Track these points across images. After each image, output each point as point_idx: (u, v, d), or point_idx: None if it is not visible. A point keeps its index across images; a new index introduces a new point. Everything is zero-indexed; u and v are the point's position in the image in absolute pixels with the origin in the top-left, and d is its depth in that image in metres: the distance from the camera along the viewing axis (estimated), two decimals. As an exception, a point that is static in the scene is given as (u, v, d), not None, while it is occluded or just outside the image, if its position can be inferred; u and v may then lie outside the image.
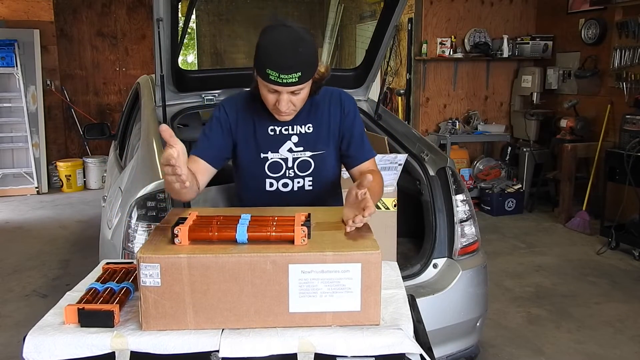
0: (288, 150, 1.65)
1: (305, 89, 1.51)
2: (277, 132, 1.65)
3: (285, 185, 1.66)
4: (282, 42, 1.42)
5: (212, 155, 1.62)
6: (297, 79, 1.43)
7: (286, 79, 1.42)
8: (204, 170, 1.60)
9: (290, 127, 1.65)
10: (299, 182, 1.67)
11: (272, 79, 1.43)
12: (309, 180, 1.67)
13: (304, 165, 1.66)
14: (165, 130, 1.19)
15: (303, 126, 1.65)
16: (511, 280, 3.81)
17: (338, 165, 1.74)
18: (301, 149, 1.65)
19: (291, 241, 1.12)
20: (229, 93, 2.45)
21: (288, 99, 1.49)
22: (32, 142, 6.33)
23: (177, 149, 1.18)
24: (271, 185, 1.66)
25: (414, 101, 6.01)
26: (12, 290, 3.66)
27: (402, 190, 2.50)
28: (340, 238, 1.18)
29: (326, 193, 1.72)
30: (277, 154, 1.64)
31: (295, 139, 1.65)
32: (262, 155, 1.64)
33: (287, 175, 1.65)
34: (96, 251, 2.56)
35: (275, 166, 1.65)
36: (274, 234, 1.13)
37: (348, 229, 1.21)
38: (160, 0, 2.09)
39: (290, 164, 1.65)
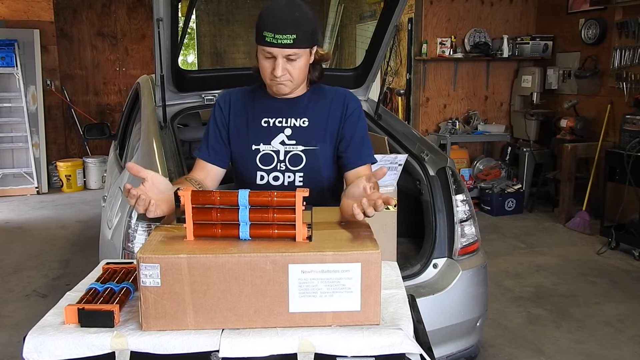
0: (280, 143, 1.64)
1: (301, 58, 1.52)
2: (271, 124, 1.64)
3: (275, 178, 1.65)
4: (279, 7, 1.48)
5: (214, 156, 1.65)
6: (292, 41, 1.46)
7: (281, 39, 1.45)
8: (212, 173, 1.65)
9: (284, 120, 1.64)
10: (289, 177, 1.65)
11: (268, 40, 1.46)
12: (300, 176, 1.65)
13: (295, 160, 1.64)
14: (132, 167, 1.25)
15: (298, 119, 1.64)
16: (511, 280, 3.81)
17: (334, 166, 1.71)
18: (294, 142, 1.63)
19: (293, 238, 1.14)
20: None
21: (284, 65, 1.50)
22: (32, 142, 6.33)
23: (147, 179, 1.25)
24: (262, 178, 1.65)
25: (414, 101, 6.01)
26: (12, 290, 3.66)
27: (402, 190, 2.50)
28: (340, 238, 1.17)
29: (319, 192, 1.66)
30: (268, 145, 1.64)
31: (288, 131, 1.64)
32: (254, 146, 1.64)
33: (278, 168, 1.64)
34: (96, 251, 2.57)
35: (267, 158, 1.64)
36: (276, 231, 1.15)
37: (361, 218, 1.18)
38: (160, 0, 2.09)
39: (282, 157, 1.64)
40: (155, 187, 1.24)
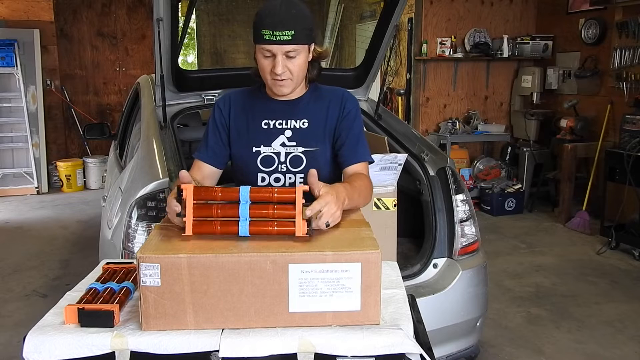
0: (281, 145, 1.64)
1: (300, 55, 1.53)
2: (271, 126, 1.65)
3: (277, 180, 1.66)
4: (276, 5, 1.49)
5: (213, 157, 1.66)
6: (290, 37, 1.47)
7: (280, 35, 1.46)
8: (210, 174, 1.66)
9: (284, 122, 1.65)
10: (290, 178, 1.65)
11: (267, 38, 1.47)
12: (301, 177, 1.65)
13: (296, 161, 1.65)
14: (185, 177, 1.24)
15: (298, 121, 1.65)
16: (511, 280, 3.81)
17: (334, 166, 1.71)
18: (294, 144, 1.64)
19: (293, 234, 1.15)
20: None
21: (284, 63, 1.51)
22: (32, 142, 6.33)
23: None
24: (263, 180, 1.66)
25: (414, 101, 6.01)
26: (12, 290, 3.66)
27: (402, 190, 2.50)
28: (340, 237, 1.18)
29: None
30: (269, 147, 1.64)
31: (288, 133, 1.64)
32: (255, 149, 1.64)
33: (279, 170, 1.65)
34: (96, 251, 2.57)
35: (268, 160, 1.65)
36: (276, 228, 1.16)
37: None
38: (160, 0, 2.09)
39: (282, 159, 1.64)
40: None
